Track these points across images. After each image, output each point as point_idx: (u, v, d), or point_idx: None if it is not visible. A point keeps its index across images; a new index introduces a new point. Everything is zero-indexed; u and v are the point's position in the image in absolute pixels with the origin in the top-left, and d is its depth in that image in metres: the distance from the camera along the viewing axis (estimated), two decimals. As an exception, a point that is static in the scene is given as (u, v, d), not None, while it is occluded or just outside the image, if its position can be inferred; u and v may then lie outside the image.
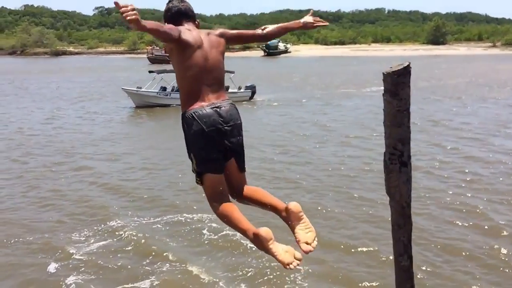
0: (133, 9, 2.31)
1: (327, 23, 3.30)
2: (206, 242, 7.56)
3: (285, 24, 3.26)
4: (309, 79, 34.79)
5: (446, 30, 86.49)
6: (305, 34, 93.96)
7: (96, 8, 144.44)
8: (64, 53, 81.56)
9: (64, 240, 7.71)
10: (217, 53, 2.97)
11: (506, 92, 25.57)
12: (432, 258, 6.83)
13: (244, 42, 3.28)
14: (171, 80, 21.16)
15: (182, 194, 9.59)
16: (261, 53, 73.43)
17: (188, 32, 2.88)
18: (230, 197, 2.99)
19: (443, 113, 18.95)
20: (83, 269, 6.76)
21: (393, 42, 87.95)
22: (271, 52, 70.74)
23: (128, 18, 2.30)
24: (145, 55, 61.64)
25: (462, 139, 14.08)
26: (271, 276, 6.43)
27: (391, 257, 6.12)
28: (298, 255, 2.71)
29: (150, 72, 23.23)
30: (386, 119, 2.54)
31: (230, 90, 23.52)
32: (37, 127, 17.44)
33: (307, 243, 2.78)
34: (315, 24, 3.22)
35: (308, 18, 3.24)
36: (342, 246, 7.30)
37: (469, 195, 9.28)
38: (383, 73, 2.49)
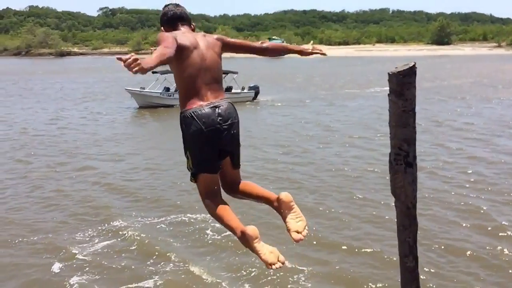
0: (135, 60, 2.36)
1: (325, 53, 3.45)
2: (209, 242, 7.55)
3: (286, 45, 3.41)
4: (313, 80, 34.78)
5: (451, 30, 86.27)
6: (309, 34, 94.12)
7: (101, 9, 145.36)
8: (69, 53, 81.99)
9: (68, 240, 7.72)
10: (213, 53, 3.02)
11: (511, 92, 25.47)
12: (435, 258, 6.80)
13: (242, 51, 3.30)
14: (174, 81, 21.17)
15: (185, 194, 9.60)
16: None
17: (183, 35, 2.95)
18: (222, 193, 3.07)
19: (447, 113, 18.91)
20: (87, 269, 6.76)
21: (398, 43, 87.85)
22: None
23: (134, 70, 2.36)
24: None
25: (466, 139, 14.04)
26: (275, 277, 6.42)
27: (394, 258, 6.13)
28: (282, 258, 2.77)
29: (153, 72, 23.21)
30: (391, 119, 2.53)
31: (233, 91, 23.57)
32: (41, 128, 17.51)
33: (297, 232, 2.87)
34: (312, 52, 3.35)
35: (308, 46, 3.40)
36: (345, 247, 7.28)
37: (473, 195, 9.24)
38: (389, 73, 2.48)
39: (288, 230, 2.88)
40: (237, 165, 3.09)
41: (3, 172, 11.67)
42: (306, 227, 2.90)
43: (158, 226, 8.24)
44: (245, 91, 23.88)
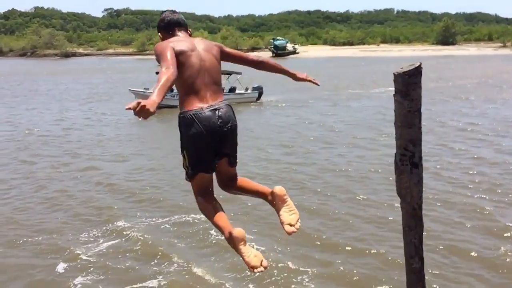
0: (144, 106, 2.37)
1: (318, 84, 3.47)
2: (213, 242, 7.54)
3: (281, 65, 3.42)
4: (317, 80, 34.67)
5: (456, 31, 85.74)
6: (313, 34, 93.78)
7: (106, 9, 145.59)
8: (74, 54, 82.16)
9: (72, 240, 7.74)
10: (211, 56, 3.06)
11: (516, 93, 25.34)
12: (439, 259, 6.78)
13: (238, 62, 3.34)
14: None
15: (189, 195, 9.50)
16: (269, 54, 73.36)
17: (179, 41, 3.02)
18: (216, 190, 3.10)
19: (451, 114, 18.83)
20: (91, 269, 6.78)
21: (402, 43, 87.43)
22: (279, 53, 70.57)
23: (144, 115, 2.39)
24: (153, 57, 61.81)
25: (470, 140, 13.98)
26: (279, 277, 6.41)
27: (399, 259, 6.10)
28: (265, 263, 2.81)
29: (157, 73, 23.23)
30: (397, 120, 2.52)
31: (237, 91, 23.54)
32: (45, 128, 17.57)
33: (290, 225, 2.91)
34: (305, 79, 3.43)
35: (302, 75, 3.44)
36: (349, 248, 7.25)
37: (477, 196, 9.19)
38: (394, 74, 2.47)
39: (282, 223, 2.93)
40: (234, 164, 3.13)
41: (8, 172, 11.72)
42: (299, 220, 2.95)
43: (162, 227, 8.24)
44: (249, 91, 23.85)
